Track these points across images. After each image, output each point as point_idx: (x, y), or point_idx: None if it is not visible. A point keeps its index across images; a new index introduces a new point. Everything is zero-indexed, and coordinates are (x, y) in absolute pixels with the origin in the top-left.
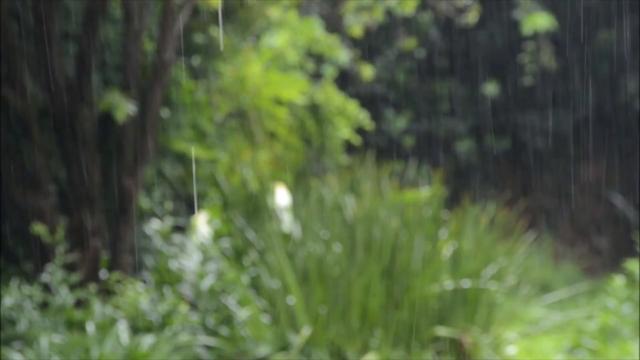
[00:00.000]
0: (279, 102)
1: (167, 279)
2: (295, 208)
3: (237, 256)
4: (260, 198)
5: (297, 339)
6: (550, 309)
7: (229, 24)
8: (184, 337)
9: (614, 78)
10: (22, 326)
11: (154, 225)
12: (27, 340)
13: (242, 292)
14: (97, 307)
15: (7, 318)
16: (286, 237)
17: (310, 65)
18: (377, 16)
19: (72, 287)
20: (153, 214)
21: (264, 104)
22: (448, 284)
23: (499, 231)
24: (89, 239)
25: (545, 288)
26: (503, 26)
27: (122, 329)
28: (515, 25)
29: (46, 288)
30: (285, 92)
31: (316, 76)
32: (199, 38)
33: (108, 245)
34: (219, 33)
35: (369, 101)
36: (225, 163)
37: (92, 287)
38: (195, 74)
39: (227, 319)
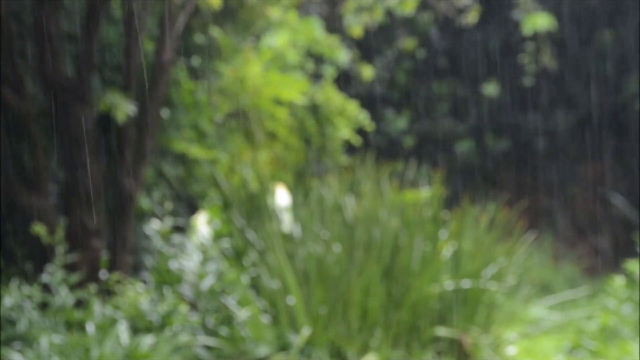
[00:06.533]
0: (279, 102)
1: (167, 279)
2: (295, 208)
3: (237, 256)
4: (260, 198)
5: (297, 339)
6: (551, 309)
7: (229, 24)
8: (184, 338)
9: (614, 78)
10: (22, 326)
11: (154, 225)
12: (27, 341)
13: (242, 293)
14: (97, 307)
15: (7, 318)
16: (286, 237)
17: (310, 66)
18: (377, 16)
19: (72, 288)
20: (153, 214)
21: (264, 104)
22: (448, 284)
23: (499, 231)
24: (89, 239)
25: (545, 288)
26: (503, 26)
27: (122, 329)
28: (515, 25)
29: (46, 288)
30: (285, 92)
31: (316, 76)
32: (199, 38)
33: (108, 245)
34: (219, 33)
35: (369, 101)
36: (225, 163)
37: (92, 288)
38: (195, 74)
39: (227, 319)
